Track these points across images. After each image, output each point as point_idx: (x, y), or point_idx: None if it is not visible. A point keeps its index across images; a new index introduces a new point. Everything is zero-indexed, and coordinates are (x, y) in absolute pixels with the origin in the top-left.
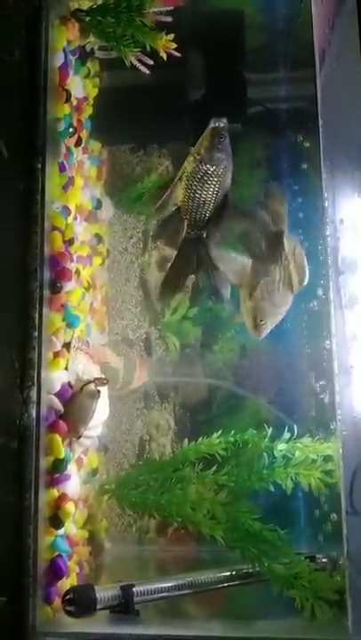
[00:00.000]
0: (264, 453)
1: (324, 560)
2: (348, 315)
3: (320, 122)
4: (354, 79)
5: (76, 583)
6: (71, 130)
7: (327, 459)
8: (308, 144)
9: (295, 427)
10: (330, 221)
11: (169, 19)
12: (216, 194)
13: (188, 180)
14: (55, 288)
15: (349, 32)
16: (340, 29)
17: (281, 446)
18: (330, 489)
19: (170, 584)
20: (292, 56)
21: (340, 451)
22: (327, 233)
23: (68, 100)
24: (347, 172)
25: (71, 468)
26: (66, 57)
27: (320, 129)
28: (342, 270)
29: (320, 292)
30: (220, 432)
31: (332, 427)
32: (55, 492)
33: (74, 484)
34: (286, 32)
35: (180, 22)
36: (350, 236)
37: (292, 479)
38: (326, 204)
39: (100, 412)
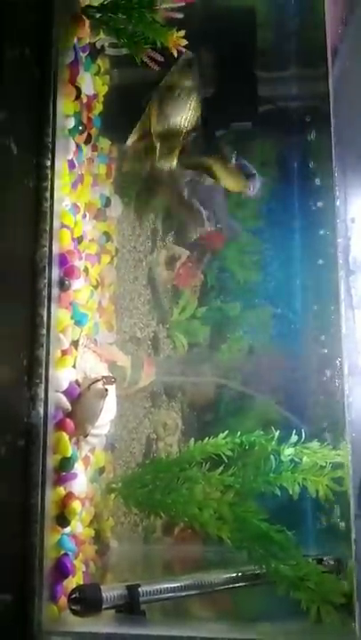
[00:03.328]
0: (271, 456)
1: (331, 562)
2: (358, 315)
3: (332, 120)
4: None
5: (82, 582)
6: (81, 127)
7: (337, 466)
8: (319, 142)
9: (303, 430)
10: (341, 221)
11: (180, 15)
12: (187, 120)
13: (160, 107)
14: (64, 286)
15: None
16: (353, 26)
17: (288, 450)
18: (339, 495)
19: (176, 584)
20: (304, 53)
21: (349, 453)
22: (338, 232)
23: (78, 97)
24: (358, 170)
25: (78, 467)
26: (76, 54)
27: (332, 127)
28: (353, 270)
29: (330, 292)
30: (226, 432)
31: (340, 429)
32: (62, 491)
33: (80, 483)
34: (298, 29)
35: (191, 19)
36: None
37: (299, 485)
38: (338, 203)
39: (108, 411)
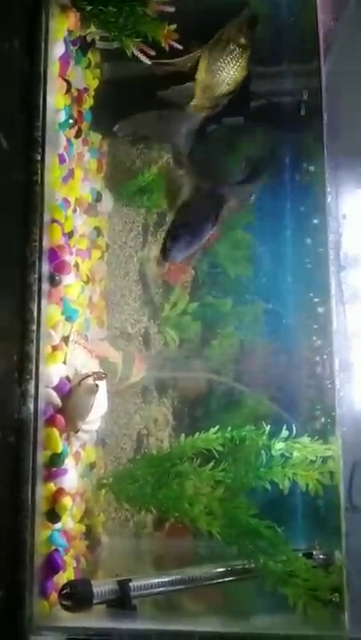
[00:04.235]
0: (262, 451)
1: (321, 556)
2: (349, 311)
3: (324, 116)
4: (359, 72)
5: (72, 577)
6: (71, 121)
7: (326, 460)
8: (311, 138)
9: (294, 425)
10: (332, 217)
11: (171, 9)
12: (231, 79)
13: (210, 58)
14: (54, 281)
15: (355, 24)
16: (346, 21)
17: (279, 445)
18: (329, 489)
19: (167, 579)
20: (296, 48)
21: (340, 447)
22: (329, 228)
23: (68, 90)
24: (350, 166)
25: (68, 463)
26: (66, 47)
27: (324, 123)
28: (344, 266)
29: (321, 288)
30: (216, 428)
31: (330, 424)
32: (52, 487)
33: (71, 479)
34: (290, 23)
35: (183, 12)
36: (353, 232)
37: (289, 479)
38: (329, 199)
39: (99, 407)
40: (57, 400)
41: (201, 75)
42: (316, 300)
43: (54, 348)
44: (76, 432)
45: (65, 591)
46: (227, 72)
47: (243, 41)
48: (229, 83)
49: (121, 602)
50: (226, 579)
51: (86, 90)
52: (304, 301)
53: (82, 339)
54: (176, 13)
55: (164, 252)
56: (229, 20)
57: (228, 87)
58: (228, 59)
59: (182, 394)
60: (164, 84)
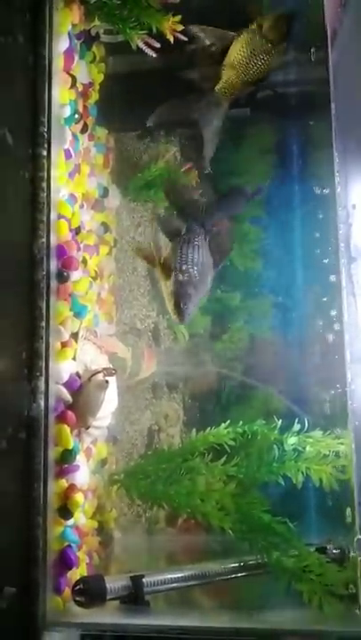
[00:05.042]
0: (274, 445)
1: (335, 551)
2: (360, 302)
3: (332, 105)
4: None
5: (85, 573)
6: (77, 116)
7: (339, 454)
8: (319, 128)
9: (306, 419)
10: (342, 207)
11: (176, 0)
12: (259, 71)
13: (244, 45)
14: (62, 277)
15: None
16: (353, 8)
17: (292, 440)
18: (343, 483)
19: (180, 574)
20: (303, 37)
21: (353, 441)
22: (339, 219)
23: (73, 85)
24: (359, 156)
25: (80, 459)
26: (71, 41)
27: (332, 112)
28: (355, 257)
29: (332, 279)
30: (228, 422)
31: (342, 417)
32: (64, 483)
33: (83, 475)
34: (297, 12)
35: (187, 3)
36: None
37: (303, 473)
38: (338, 190)
39: (109, 403)
40: (67, 396)
41: (230, 59)
42: (327, 292)
43: (64, 345)
44: (87, 428)
45: (78, 587)
46: (254, 63)
47: (275, 37)
48: (255, 74)
49: (134, 598)
50: (239, 574)
51: (91, 84)
52: (314, 294)
53: (91, 335)
54: (180, 4)
55: (180, 315)
56: (234, 10)
57: (254, 77)
58: (258, 51)
59: (193, 389)
60: (169, 77)
